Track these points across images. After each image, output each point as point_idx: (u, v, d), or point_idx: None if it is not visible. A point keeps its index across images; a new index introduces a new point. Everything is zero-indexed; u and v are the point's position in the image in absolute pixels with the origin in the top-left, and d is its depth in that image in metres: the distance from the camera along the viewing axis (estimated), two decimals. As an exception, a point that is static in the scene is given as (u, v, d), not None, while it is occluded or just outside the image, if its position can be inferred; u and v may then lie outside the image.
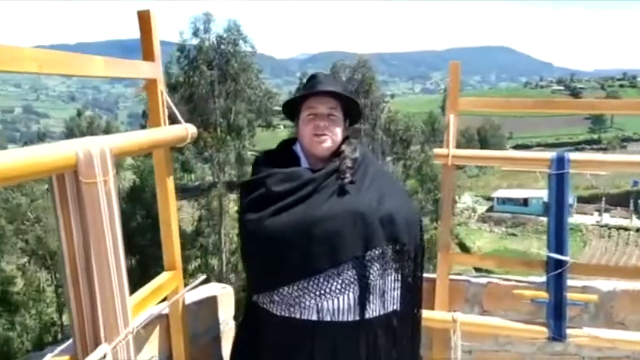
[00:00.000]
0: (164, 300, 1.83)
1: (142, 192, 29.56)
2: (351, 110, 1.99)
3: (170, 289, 1.82)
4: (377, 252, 1.75)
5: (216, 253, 31.23)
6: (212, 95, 33.50)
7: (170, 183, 1.81)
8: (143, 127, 35.92)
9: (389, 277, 1.79)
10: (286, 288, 1.74)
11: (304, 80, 2.09)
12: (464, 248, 42.72)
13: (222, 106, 33.93)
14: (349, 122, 2.01)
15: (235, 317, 2.26)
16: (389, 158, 38.59)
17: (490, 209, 53.48)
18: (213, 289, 2.18)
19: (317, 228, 1.70)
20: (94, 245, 1.24)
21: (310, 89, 1.91)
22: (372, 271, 1.74)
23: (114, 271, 1.29)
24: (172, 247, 1.83)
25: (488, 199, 55.70)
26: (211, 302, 2.13)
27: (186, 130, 1.77)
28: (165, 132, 1.71)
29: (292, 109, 1.98)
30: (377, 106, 37.92)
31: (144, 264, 26.70)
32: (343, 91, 1.93)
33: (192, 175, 39.69)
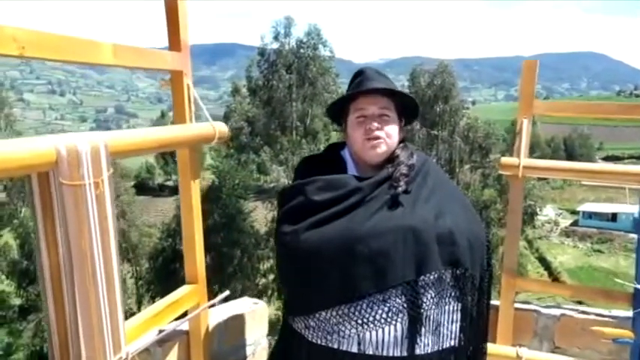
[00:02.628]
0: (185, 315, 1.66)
1: (220, 192, 30.29)
2: (406, 109, 1.74)
3: (191, 304, 1.64)
4: (432, 277, 1.49)
5: (287, 255, 31.37)
6: (290, 99, 33.98)
7: (195, 188, 1.64)
8: (223, 128, 36.79)
9: (446, 307, 1.52)
10: (323, 313, 1.51)
11: None
12: (544, 263, 40.59)
13: (299, 109, 34.33)
14: (404, 122, 1.76)
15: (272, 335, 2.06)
16: (466, 166, 37.47)
17: (574, 223, 50.59)
18: (243, 304, 1.99)
19: (361, 245, 1.46)
20: (77, 261, 1.07)
21: (358, 87, 1.67)
22: (425, 299, 1.48)
23: (102, 292, 1.12)
24: (194, 259, 1.65)
25: (573, 212, 52.73)
26: (240, 319, 1.94)
27: (214, 128, 1.59)
28: (189, 130, 1.54)
29: (339, 111, 1.75)
30: (456, 113, 36.97)
31: (219, 262, 27.34)
32: (396, 88, 1.68)
33: (268, 177, 40.30)
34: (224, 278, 27.24)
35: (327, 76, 34.25)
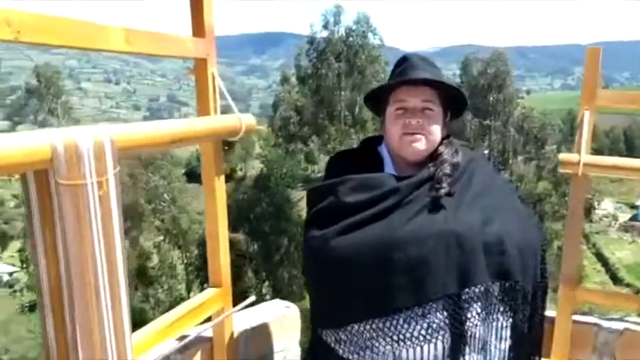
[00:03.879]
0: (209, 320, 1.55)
1: (268, 180, 30.51)
2: (453, 102, 1.56)
3: (214, 309, 1.53)
4: (478, 290, 1.33)
5: (333, 245, 31.39)
6: (338, 87, 33.81)
7: (220, 184, 1.52)
8: (271, 118, 37.08)
9: (493, 324, 1.36)
10: (355, 326, 1.36)
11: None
12: (601, 259, 39.05)
13: (348, 98, 34.14)
14: (449, 117, 1.58)
15: (304, 342, 1.94)
16: (520, 157, 36.41)
17: (634, 218, 48.44)
18: (274, 308, 1.87)
19: (398, 253, 1.31)
20: (75, 271, 0.97)
21: (400, 76, 1.49)
22: (470, 315, 1.33)
23: (105, 308, 1.01)
24: (219, 261, 1.54)
25: (633, 206, 50.48)
26: (269, 325, 1.82)
27: (240, 121, 1.47)
28: (212, 122, 1.41)
29: (378, 101, 1.58)
30: (510, 102, 35.89)
31: (266, 250, 27.62)
32: (443, 79, 1.50)
33: (315, 167, 40.34)
34: (271, 266, 27.48)
35: (376, 64, 33.89)
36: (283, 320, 1.85)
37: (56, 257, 0.98)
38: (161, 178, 33.04)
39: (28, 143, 0.89)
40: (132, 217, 29.58)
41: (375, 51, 34.00)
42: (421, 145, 1.47)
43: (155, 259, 30.41)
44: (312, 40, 34.06)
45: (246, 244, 29.10)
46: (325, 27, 33.79)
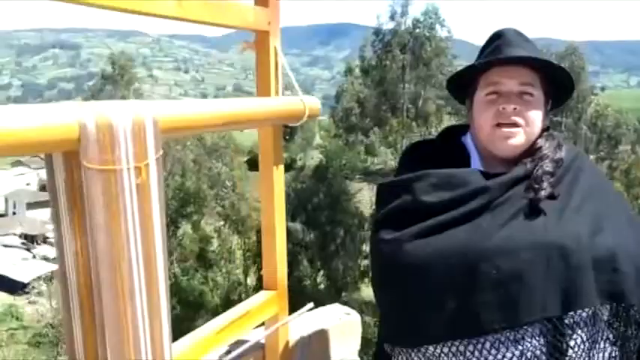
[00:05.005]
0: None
1: (327, 171, 30.47)
2: (557, 87, 1.30)
3: (269, 315, 1.37)
4: (585, 313, 1.12)
5: (391, 239, 31.16)
6: (402, 80, 33.32)
7: (278, 174, 1.35)
8: (334, 108, 36.99)
9: (600, 355, 1.14)
10: (431, 348, 1.16)
11: None
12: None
13: (412, 91, 33.63)
14: (551, 105, 1.32)
15: (364, 352, 1.75)
16: (592, 157, 34.71)
17: None
18: (332, 314, 1.69)
19: (487, 264, 1.10)
20: (104, 273, 0.82)
21: (493, 54, 1.26)
22: (573, 344, 1.10)
23: (141, 313, 0.86)
24: (274, 260, 1.37)
25: None
26: (327, 333, 1.63)
27: (303, 103, 1.29)
28: (272, 104, 1.24)
29: (464, 84, 1.34)
30: (584, 99, 34.23)
31: (322, 240, 27.66)
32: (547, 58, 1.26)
33: (375, 159, 39.95)
34: (326, 256, 27.48)
35: (443, 56, 33.10)
36: (343, 328, 1.67)
37: (85, 254, 0.84)
38: (223, 165, 33.73)
39: (50, 119, 0.74)
40: (195, 201, 30.35)
41: (442, 43, 33.20)
42: (517, 139, 1.23)
43: (215, 244, 31.12)
44: (377, 32, 33.65)
45: (302, 234, 29.26)
46: (392, 18, 33.28)
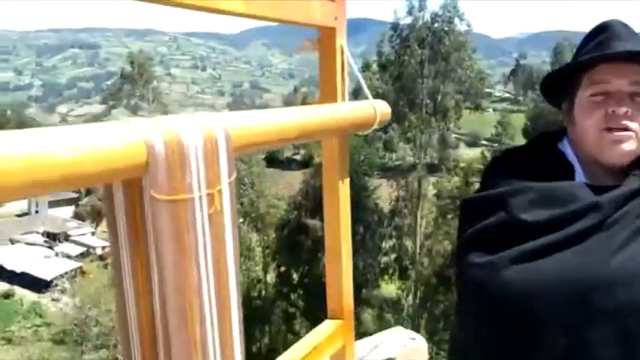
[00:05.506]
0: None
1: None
2: None
3: (335, 347, 1.22)
4: None
5: (410, 235, 30.95)
6: (421, 75, 33.06)
7: (344, 189, 1.20)
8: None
9: None
10: None
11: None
12: None
13: (430, 86, 33.32)
14: None
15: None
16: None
17: None
18: (396, 339, 1.53)
19: (601, 295, 0.95)
20: (174, 318, 0.68)
21: (599, 50, 1.09)
22: None
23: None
24: (340, 286, 1.22)
25: None
26: (393, 361, 1.49)
27: (374, 109, 1.14)
28: (341, 111, 1.09)
29: (562, 84, 1.18)
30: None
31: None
32: None
33: (394, 155, 39.62)
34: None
35: (462, 51, 32.67)
36: (410, 355, 1.51)
37: (149, 298, 0.70)
38: (241, 162, 33.77)
39: (110, 141, 0.59)
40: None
41: (461, 37, 32.79)
42: (629, 145, 1.06)
43: (234, 242, 31.13)
44: (395, 27, 33.34)
45: (322, 231, 29.03)
46: (410, 13, 32.93)
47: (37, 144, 0.53)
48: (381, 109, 1.15)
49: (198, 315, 0.70)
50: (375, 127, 1.14)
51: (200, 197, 0.68)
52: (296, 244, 28.84)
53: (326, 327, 1.20)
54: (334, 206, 1.20)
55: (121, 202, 0.67)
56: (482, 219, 1.08)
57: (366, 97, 1.15)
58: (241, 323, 0.77)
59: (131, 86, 38.57)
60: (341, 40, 1.13)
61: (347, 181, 1.22)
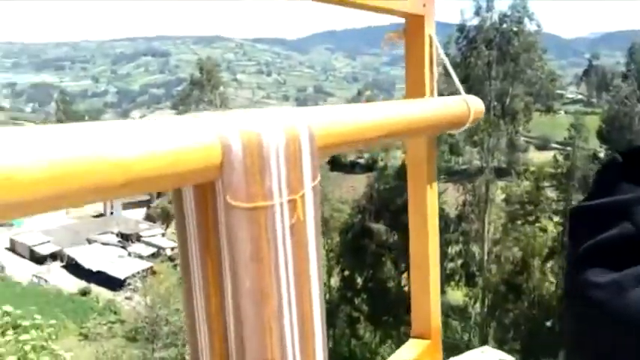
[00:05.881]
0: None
1: (410, 171, 29.76)
2: None
3: (418, 368, 1.10)
4: None
5: (477, 241, 30.12)
6: (488, 76, 32.19)
7: (432, 194, 1.08)
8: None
9: None
10: None
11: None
12: None
13: (498, 88, 32.40)
14: None
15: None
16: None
17: None
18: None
19: None
20: (251, 343, 0.58)
21: None
22: None
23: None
24: (427, 303, 1.10)
25: None
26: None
27: (467, 105, 1.01)
28: (434, 107, 0.97)
29: None
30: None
31: (406, 241, 27.07)
32: None
33: (460, 159, 38.68)
34: (409, 259, 26.87)
35: (532, 51, 31.52)
36: (500, 380, 1.37)
37: (222, 316, 0.61)
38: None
39: (182, 140, 0.50)
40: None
41: (531, 37, 31.66)
42: None
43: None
44: (461, 28, 32.65)
45: (386, 235, 28.78)
46: (477, 13, 32.13)
47: (99, 142, 0.47)
48: (475, 106, 1.03)
49: (277, 335, 0.60)
50: (468, 125, 1.01)
51: (281, 204, 0.59)
52: (360, 248, 28.67)
53: (412, 348, 1.08)
54: (421, 215, 1.08)
55: (191, 206, 0.58)
56: (600, 231, 0.92)
57: (457, 93, 1.02)
58: (325, 341, 0.66)
59: (199, 92, 39.72)
60: (429, 29, 1.02)
61: (435, 186, 1.09)
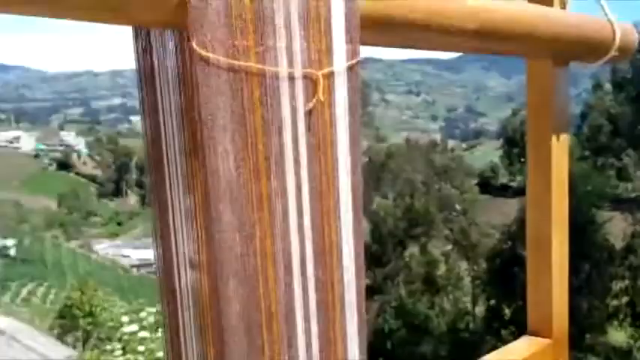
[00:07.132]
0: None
1: (571, 197, 27.45)
2: None
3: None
4: None
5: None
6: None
7: (560, 150, 0.82)
8: (578, 128, 33.45)
9: None
10: None
11: None
12: None
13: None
14: None
15: None
16: None
17: None
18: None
19: None
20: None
21: None
22: None
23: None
24: (545, 293, 0.83)
25: None
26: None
27: (612, 26, 0.75)
28: (561, 17, 0.73)
29: None
30: None
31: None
32: None
33: (629, 185, 34.77)
34: (570, 292, 24.57)
35: None
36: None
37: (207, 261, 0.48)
38: (453, 188, 33.06)
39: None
40: (423, 223, 30.16)
41: None
42: None
43: (442, 268, 30.52)
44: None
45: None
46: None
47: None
48: (624, 31, 0.76)
49: (292, 254, 0.48)
50: (612, 54, 0.75)
51: (292, 78, 0.40)
52: (509, 276, 26.83)
53: (524, 344, 0.83)
54: (543, 175, 0.83)
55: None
56: None
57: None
58: (362, 299, 0.50)
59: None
60: None
61: (566, 140, 0.83)
